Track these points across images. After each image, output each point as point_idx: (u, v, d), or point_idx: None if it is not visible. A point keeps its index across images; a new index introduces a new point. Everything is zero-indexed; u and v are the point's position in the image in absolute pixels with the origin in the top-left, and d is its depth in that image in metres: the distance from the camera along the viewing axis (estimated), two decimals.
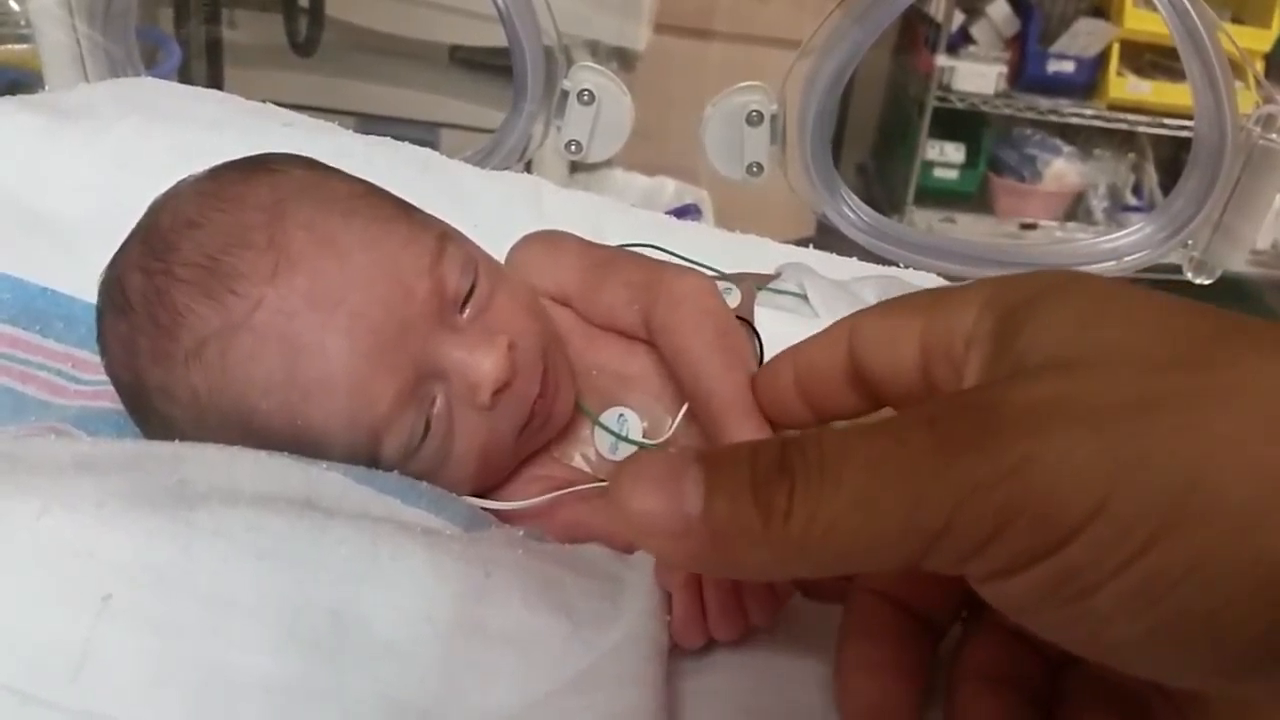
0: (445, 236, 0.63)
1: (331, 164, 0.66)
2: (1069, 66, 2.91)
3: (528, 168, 1.11)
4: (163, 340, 0.58)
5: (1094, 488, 0.28)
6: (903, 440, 0.31)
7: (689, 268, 0.69)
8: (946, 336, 0.37)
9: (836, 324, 0.42)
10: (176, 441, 0.54)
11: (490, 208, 0.92)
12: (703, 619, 0.46)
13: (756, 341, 0.68)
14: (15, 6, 1.42)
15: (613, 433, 0.66)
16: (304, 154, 0.66)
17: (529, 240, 0.74)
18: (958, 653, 0.41)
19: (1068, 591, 0.29)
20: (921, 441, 0.30)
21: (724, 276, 0.77)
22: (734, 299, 0.71)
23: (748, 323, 0.69)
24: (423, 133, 1.88)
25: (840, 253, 1.00)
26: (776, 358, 0.45)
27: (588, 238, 0.75)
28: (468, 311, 0.61)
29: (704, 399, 0.58)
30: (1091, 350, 0.31)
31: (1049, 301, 0.34)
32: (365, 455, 0.58)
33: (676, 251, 0.82)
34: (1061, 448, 0.29)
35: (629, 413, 0.66)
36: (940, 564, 0.31)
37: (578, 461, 0.67)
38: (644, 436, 0.65)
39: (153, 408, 0.60)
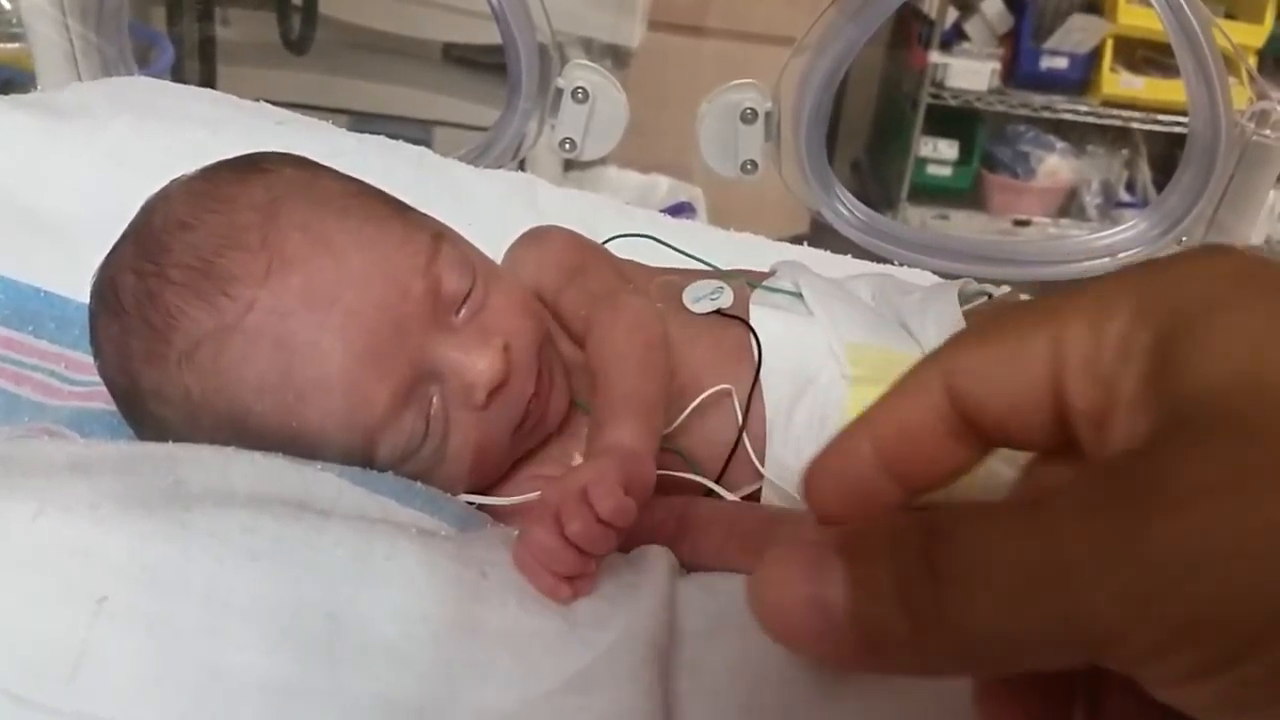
0: (440, 236, 0.63)
1: (326, 163, 0.66)
2: (1062, 63, 2.91)
3: (522, 166, 1.11)
4: (155, 342, 0.58)
5: (1273, 599, 0.25)
6: (1056, 535, 0.27)
7: (643, 296, 0.70)
8: (1089, 347, 0.31)
9: (916, 372, 0.35)
10: (171, 443, 0.54)
11: (485, 206, 0.92)
12: None
13: (754, 340, 0.68)
14: (7, 5, 1.41)
15: None
16: (298, 152, 0.66)
17: (522, 237, 0.75)
18: None
19: (1246, 704, 0.26)
20: (1076, 536, 0.27)
21: (717, 273, 0.77)
22: (726, 298, 0.71)
23: (744, 321, 0.69)
24: (417, 131, 1.87)
25: (835, 250, 1.00)
26: (845, 432, 0.38)
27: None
28: (463, 312, 0.61)
29: (605, 390, 0.60)
30: (1273, 395, 0.27)
31: (1218, 319, 0.29)
32: (361, 457, 0.58)
33: (670, 243, 0.83)
34: (1235, 549, 0.25)
35: None
36: (1110, 666, 0.27)
37: (577, 460, 0.66)
38: None
39: (146, 410, 0.60)
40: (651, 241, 0.83)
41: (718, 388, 0.65)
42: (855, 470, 0.36)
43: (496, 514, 0.62)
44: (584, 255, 0.74)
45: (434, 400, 0.60)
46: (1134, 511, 0.26)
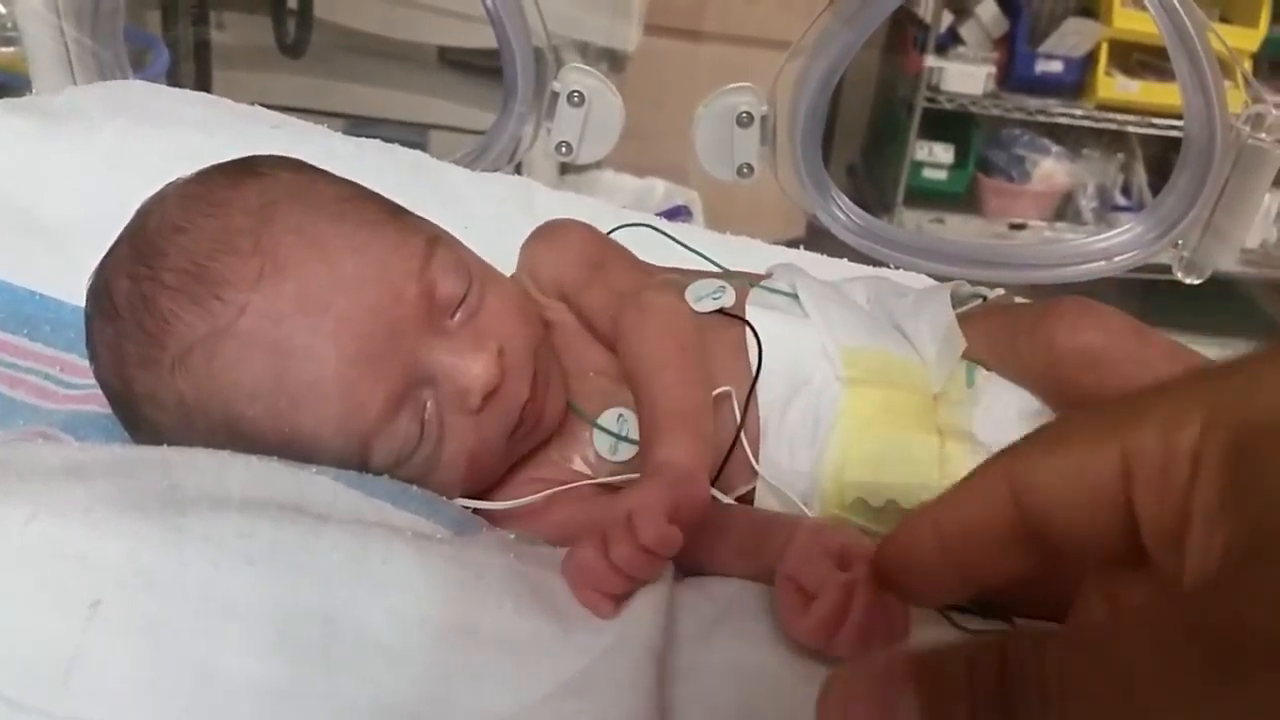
0: (435, 240, 0.63)
1: (321, 166, 0.66)
2: (1057, 66, 2.91)
3: (518, 169, 1.11)
4: (149, 347, 0.58)
5: None
6: (1132, 678, 0.26)
7: (669, 291, 0.70)
8: (1159, 458, 0.30)
9: (982, 473, 0.35)
10: (165, 446, 0.54)
11: (481, 209, 0.92)
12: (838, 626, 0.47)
13: (755, 340, 0.68)
14: (2, 9, 1.41)
15: (611, 433, 0.66)
16: (293, 156, 0.66)
17: (536, 232, 0.75)
18: None
19: None
20: (1152, 681, 0.25)
21: (719, 274, 0.77)
22: (729, 297, 0.71)
23: (744, 320, 0.69)
24: (412, 134, 1.87)
25: (830, 253, 1.00)
26: (912, 519, 0.38)
27: None
28: (458, 315, 0.61)
29: (648, 405, 0.60)
30: None
31: None
32: (355, 461, 0.58)
33: (675, 236, 0.82)
34: None
35: (629, 413, 0.66)
36: None
37: (577, 464, 0.66)
38: None
39: (140, 414, 0.60)
40: (652, 242, 0.83)
41: (720, 390, 0.65)
42: (919, 559, 0.37)
43: (493, 517, 0.62)
44: (603, 249, 0.74)
45: (428, 405, 0.60)
46: (1210, 655, 0.25)
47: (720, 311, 0.70)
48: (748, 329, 0.68)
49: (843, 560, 0.50)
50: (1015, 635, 0.28)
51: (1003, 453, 0.34)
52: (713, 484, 0.64)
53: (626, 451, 0.65)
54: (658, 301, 0.67)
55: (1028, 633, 0.28)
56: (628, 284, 0.69)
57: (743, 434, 0.65)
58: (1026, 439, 0.34)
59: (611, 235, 0.79)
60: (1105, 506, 0.31)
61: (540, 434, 0.65)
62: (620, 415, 0.66)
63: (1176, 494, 0.30)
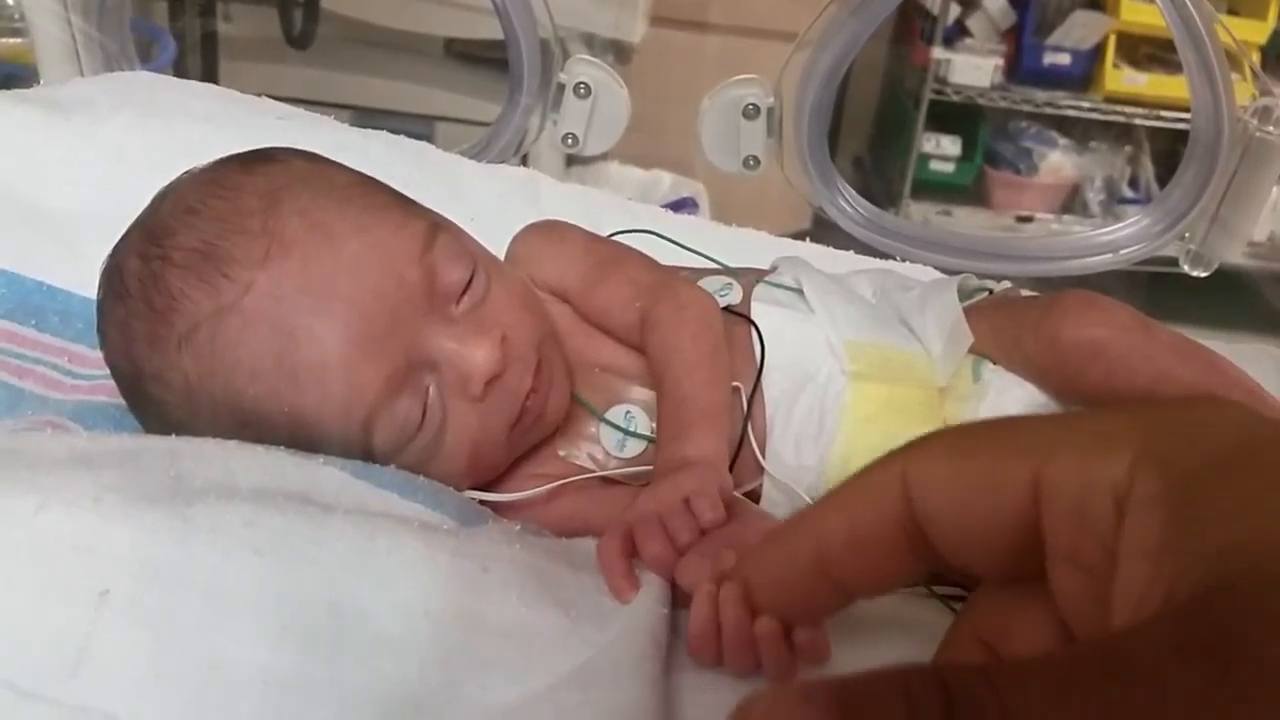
0: (437, 226, 0.63)
1: (328, 158, 0.66)
2: (1065, 59, 2.90)
3: (524, 161, 1.11)
4: (157, 325, 0.58)
5: None
6: (1107, 709, 0.24)
7: (699, 285, 0.70)
8: (1076, 487, 0.29)
9: (878, 474, 0.33)
10: (173, 436, 0.54)
11: (487, 201, 0.92)
12: (717, 638, 0.44)
13: (757, 337, 0.68)
14: (9, 0, 1.41)
15: (620, 428, 0.66)
16: (300, 148, 0.66)
17: (531, 230, 0.74)
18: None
19: None
20: (1154, 707, 0.23)
21: (726, 270, 0.77)
22: (735, 295, 0.71)
23: (747, 318, 0.69)
24: (418, 126, 1.87)
25: (837, 246, 1.00)
26: (789, 529, 0.36)
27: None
28: (463, 303, 0.61)
29: (678, 401, 0.62)
30: None
31: (1241, 478, 0.27)
32: (358, 444, 0.58)
33: (676, 240, 0.82)
34: None
35: (636, 409, 0.66)
36: None
37: (583, 459, 0.66)
38: (651, 433, 0.66)
39: (147, 394, 0.60)
40: (653, 238, 0.83)
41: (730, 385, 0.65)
42: (791, 576, 0.36)
43: (499, 509, 0.62)
44: (609, 245, 0.74)
45: (430, 390, 0.60)
46: (1212, 674, 0.23)
47: (727, 309, 0.70)
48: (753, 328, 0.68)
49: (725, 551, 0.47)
50: (955, 669, 0.26)
51: (898, 452, 0.33)
52: None
53: (633, 447, 0.65)
54: (695, 296, 0.68)
55: (970, 666, 0.26)
56: (650, 277, 0.70)
57: (750, 431, 0.65)
58: (926, 440, 0.33)
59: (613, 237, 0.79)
60: (1003, 523, 0.30)
61: (544, 428, 0.65)
62: (628, 412, 0.66)
63: (1096, 527, 0.29)
